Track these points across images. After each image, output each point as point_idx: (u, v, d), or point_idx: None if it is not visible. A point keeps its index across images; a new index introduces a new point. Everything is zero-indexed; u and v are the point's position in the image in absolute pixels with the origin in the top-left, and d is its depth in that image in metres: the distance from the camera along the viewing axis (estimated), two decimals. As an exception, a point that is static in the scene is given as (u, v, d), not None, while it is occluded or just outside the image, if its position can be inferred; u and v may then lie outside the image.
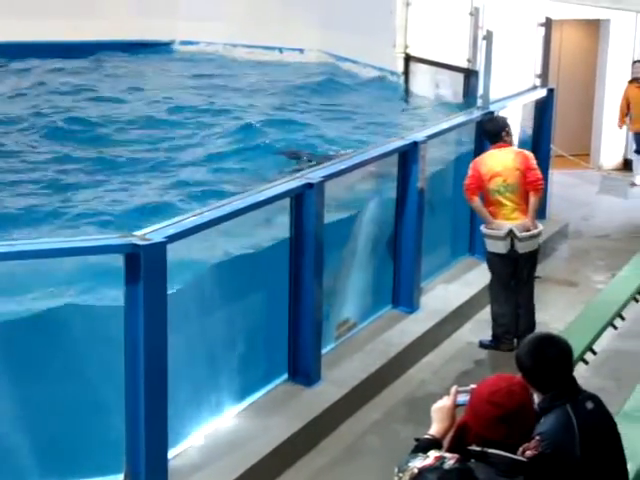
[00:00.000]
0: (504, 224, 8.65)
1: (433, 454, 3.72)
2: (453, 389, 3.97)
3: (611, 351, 8.19)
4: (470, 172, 8.76)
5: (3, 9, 16.16)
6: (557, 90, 11.92)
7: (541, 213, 10.32)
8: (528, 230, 8.70)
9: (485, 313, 9.15)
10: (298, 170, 9.17)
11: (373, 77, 15.07)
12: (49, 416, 5.96)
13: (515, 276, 8.84)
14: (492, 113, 10.06)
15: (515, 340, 8.69)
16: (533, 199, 8.73)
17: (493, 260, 8.85)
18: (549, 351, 4.27)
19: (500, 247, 8.72)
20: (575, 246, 11.77)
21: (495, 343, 8.84)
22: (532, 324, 8.85)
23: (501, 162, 8.72)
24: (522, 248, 8.73)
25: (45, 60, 16.26)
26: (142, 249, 5.69)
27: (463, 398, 3.92)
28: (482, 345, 8.90)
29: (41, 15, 16.31)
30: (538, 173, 8.84)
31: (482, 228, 8.80)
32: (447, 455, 3.71)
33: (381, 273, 8.93)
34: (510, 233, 8.63)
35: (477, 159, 8.94)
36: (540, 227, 8.90)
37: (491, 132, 8.96)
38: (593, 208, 13.18)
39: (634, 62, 14.30)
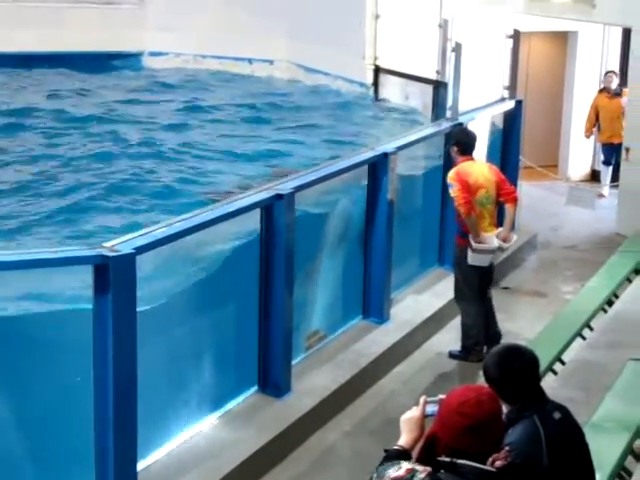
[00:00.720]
0: (490, 237, 8.62)
1: (405, 466, 3.71)
2: (422, 400, 3.98)
3: (579, 361, 8.23)
4: (456, 185, 8.51)
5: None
6: (525, 102, 12.00)
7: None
8: (504, 241, 8.72)
9: (455, 323, 9.17)
10: None
11: (342, 89, 15.10)
12: (17, 427, 5.92)
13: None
14: (461, 124, 10.09)
15: (485, 349, 8.72)
16: (512, 210, 8.76)
17: (471, 274, 8.72)
18: (516, 362, 4.29)
19: (486, 261, 8.68)
20: (544, 257, 11.84)
21: (464, 354, 8.86)
22: (499, 331, 8.91)
23: (482, 173, 8.70)
24: (496, 260, 8.78)
25: (12, 70, 16.21)
26: (111, 260, 5.67)
27: (432, 409, 3.92)
28: (452, 356, 8.92)
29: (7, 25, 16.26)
30: (511, 184, 8.92)
31: (473, 242, 8.53)
32: (419, 468, 3.70)
33: (351, 284, 8.94)
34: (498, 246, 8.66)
35: (458, 170, 8.63)
36: (515, 237, 8.94)
37: (468, 143, 8.83)
38: (561, 219, 13.27)
39: (606, 72, 14.40)
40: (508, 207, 8.78)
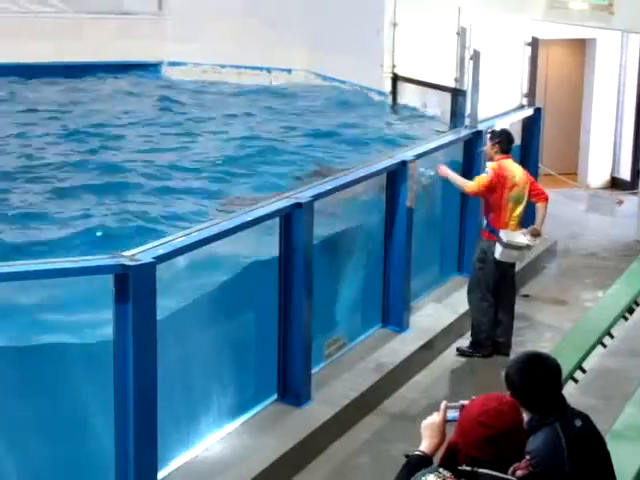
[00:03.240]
0: (519, 234, 8.79)
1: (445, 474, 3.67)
2: (443, 405, 3.96)
3: (600, 369, 8.20)
4: (491, 175, 8.79)
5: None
6: (544, 109, 11.98)
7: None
8: (534, 236, 8.91)
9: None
10: None
11: (361, 97, 15.11)
12: (37, 441, 5.94)
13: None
14: (480, 132, 10.10)
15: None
16: (543, 208, 9.00)
17: (493, 269, 8.89)
18: (538, 369, 4.28)
19: (514, 257, 8.90)
20: (564, 264, 11.80)
21: (475, 349, 8.94)
22: (510, 344, 9.02)
23: (517, 173, 8.96)
24: (522, 260, 9.20)
25: (31, 81, 16.31)
26: (131, 270, 5.69)
27: (453, 414, 3.91)
28: (460, 352, 9.01)
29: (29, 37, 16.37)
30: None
31: (505, 237, 8.72)
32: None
33: (371, 292, 8.94)
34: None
35: (500, 164, 8.89)
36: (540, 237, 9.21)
37: (510, 143, 9.12)
38: (581, 226, 13.22)
39: None
40: (540, 206, 9.02)
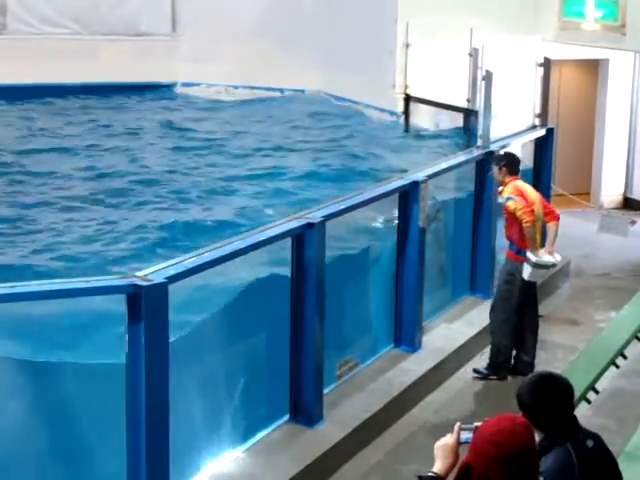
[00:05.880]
0: (545, 253, 8.76)
1: None
2: (456, 426, 3.96)
3: (613, 390, 8.17)
4: (517, 197, 8.71)
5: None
6: (557, 129, 11.97)
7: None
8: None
9: (487, 351, 9.13)
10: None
11: (374, 117, 15.13)
12: (51, 457, 5.95)
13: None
14: (492, 153, 10.11)
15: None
16: (555, 227, 8.92)
17: (522, 291, 8.85)
18: (550, 390, 4.28)
19: (542, 276, 8.94)
20: (577, 285, 11.77)
21: (493, 371, 8.91)
22: (534, 364, 8.97)
23: (531, 192, 8.96)
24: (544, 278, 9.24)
25: (44, 100, 16.44)
26: (144, 289, 5.71)
27: (466, 436, 3.90)
28: (478, 373, 8.98)
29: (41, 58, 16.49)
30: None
31: (534, 257, 8.65)
32: None
33: (383, 312, 8.93)
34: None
35: (515, 186, 8.84)
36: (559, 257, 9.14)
37: (517, 163, 9.09)
38: (594, 247, 13.19)
39: None
40: (551, 225, 8.95)
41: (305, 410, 7.53)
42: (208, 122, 15.76)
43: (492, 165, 9.40)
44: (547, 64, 12.08)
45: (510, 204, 8.76)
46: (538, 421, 4.19)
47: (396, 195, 8.82)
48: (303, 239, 7.32)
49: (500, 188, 9.01)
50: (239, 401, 7.06)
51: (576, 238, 13.17)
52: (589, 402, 7.84)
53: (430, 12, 13.64)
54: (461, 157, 10.35)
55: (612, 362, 8.48)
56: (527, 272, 8.75)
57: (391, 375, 8.52)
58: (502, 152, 9.57)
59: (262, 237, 7.05)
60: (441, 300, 10.00)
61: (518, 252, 8.85)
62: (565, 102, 15.37)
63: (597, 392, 8.03)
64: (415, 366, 8.74)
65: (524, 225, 8.66)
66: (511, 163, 9.05)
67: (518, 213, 8.69)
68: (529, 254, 8.71)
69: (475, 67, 11.63)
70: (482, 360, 9.22)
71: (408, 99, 14.25)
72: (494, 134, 10.59)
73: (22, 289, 5.74)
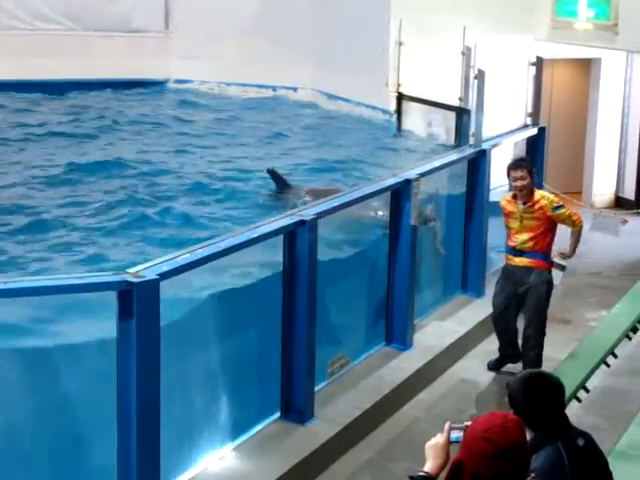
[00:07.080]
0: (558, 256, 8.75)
1: None
2: (447, 426, 3.97)
3: (604, 389, 8.18)
4: (561, 202, 8.65)
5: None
6: (548, 128, 11.98)
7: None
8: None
9: (478, 350, 9.14)
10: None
11: (366, 115, 15.14)
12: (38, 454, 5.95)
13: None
14: (484, 152, 10.11)
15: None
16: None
17: (549, 292, 8.70)
18: (541, 389, 4.28)
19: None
20: (568, 284, 11.75)
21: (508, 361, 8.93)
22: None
23: None
24: None
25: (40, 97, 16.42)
26: (135, 286, 5.70)
27: (457, 435, 3.91)
28: (491, 367, 9.03)
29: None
30: None
31: (564, 262, 8.62)
32: None
33: (374, 310, 8.93)
34: None
35: (543, 192, 8.80)
36: None
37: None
38: (586, 246, 13.16)
39: None
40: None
41: (296, 407, 7.53)
42: (200, 119, 15.76)
43: (525, 174, 8.61)
44: (539, 63, 12.09)
45: (563, 212, 8.54)
46: (529, 420, 4.20)
47: (388, 193, 8.83)
48: (295, 236, 7.31)
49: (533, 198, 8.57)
50: (230, 398, 7.05)
51: (567, 237, 13.15)
52: (580, 401, 7.86)
53: (423, 10, 13.64)
54: (453, 156, 10.35)
55: (603, 361, 8.50)
56: (558, 278, 8.68)
57: (382, 373, 8.52)
58: (527, 158, 9.34)
59: (254, 234, 7.04)
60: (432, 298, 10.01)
61: (546, 259, 8.61)
62: (557, 101, 15.40)
63: (588, 391, 8.05)
64: (406, 364, 8.74)
65: (576, 229, 8.58)
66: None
67: (574, 218, 8.57)
68: (560, 260, 8.61)
69: (468, 66, 11.67)
70: (471, 359, 9.22)
71: (401, 97, 14.26)
72: (486, 133, 10.60)
73: (12, 285, 5.72)
